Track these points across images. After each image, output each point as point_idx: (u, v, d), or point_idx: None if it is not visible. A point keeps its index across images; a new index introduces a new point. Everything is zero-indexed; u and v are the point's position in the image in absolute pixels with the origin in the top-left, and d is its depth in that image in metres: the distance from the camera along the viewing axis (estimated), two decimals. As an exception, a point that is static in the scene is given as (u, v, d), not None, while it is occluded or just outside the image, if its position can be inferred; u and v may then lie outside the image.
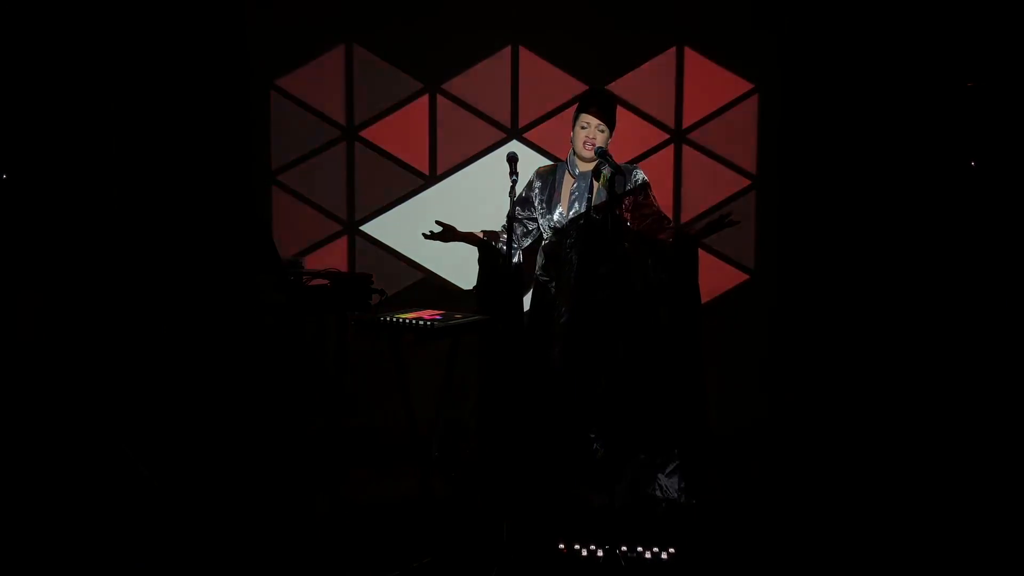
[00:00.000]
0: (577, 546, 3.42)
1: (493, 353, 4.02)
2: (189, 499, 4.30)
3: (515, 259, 4.04)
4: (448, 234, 3.96)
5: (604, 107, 3.90)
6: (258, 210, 5.31)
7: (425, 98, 5.38)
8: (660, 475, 3.86)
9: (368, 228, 5.42)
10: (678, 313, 3.92)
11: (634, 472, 3.84)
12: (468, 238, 4.01)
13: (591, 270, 3.90)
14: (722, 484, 4.57)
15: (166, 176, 5.18)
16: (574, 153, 3.95)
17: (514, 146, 5.29)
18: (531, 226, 4.02)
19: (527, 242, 4.05)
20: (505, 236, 3.93)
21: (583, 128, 3.88)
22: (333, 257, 5.32)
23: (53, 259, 5.09)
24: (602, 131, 3.88)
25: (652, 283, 3.96)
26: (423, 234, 3.95)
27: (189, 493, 4.38)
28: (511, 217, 3.68)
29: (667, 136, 5.40)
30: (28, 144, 5.07)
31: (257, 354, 5.26)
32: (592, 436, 3.86)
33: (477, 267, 4.04)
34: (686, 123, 5.39)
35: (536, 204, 3.99)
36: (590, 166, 3.94)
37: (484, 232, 4.04)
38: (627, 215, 3.94)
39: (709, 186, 5.40)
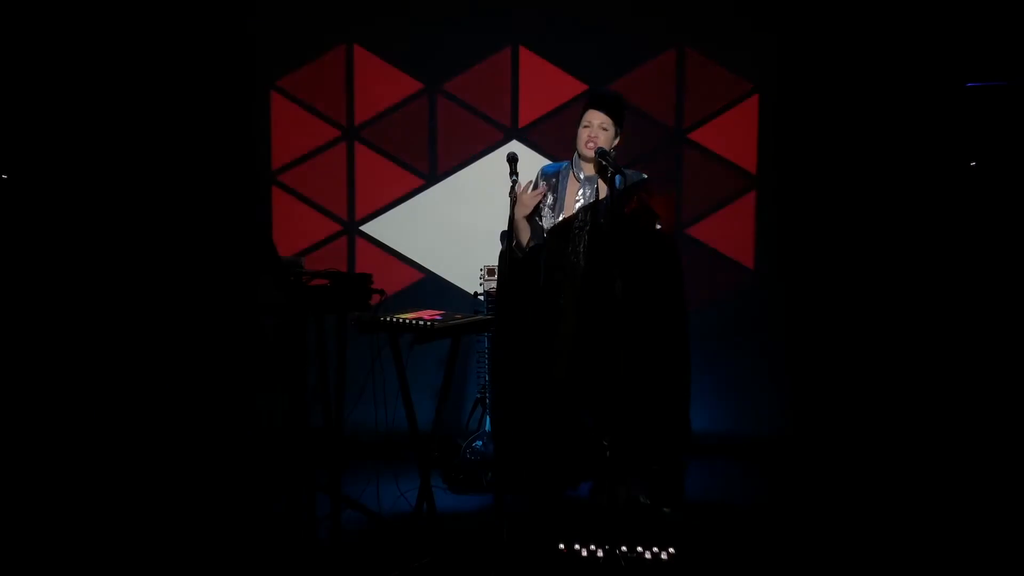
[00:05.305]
0: (577, 546, 3.42)
1: (506, 351, 3.93)
2: (187, 499, 4.30)
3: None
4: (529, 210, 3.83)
5: (607, 105, 3.75)
6: (258, 210, 5.31)
7: (425, 98, 5.38)
8: (644, 481, 3.85)
9: (368, 228, 5.43)
10: (663, 311, 3.82)
11: (634, 474, 3.83)
12: (527, 221, 3.88)
13: (598, 274, 3.76)
14: (719, 484, 4.57)
15: (167, 176, 5.19)
16: (578, 155, 3.84)
17: (514, 146, 5.30)
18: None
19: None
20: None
21: (585, 127, 3.76)
22: (333, 257, 5.33)
23: (53, 259, 5.09)
24: (605, 130, 3.74)
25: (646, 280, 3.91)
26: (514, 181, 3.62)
27: (187, 492, 4.39)
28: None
29: (666, 136, 5.40)
30: (28, 144, 5.07)
31: (256, 354, 5.27)
32: (604, 440, 3.82)
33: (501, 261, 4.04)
34: (686, 123, 5.39)
35: (542, 207, 3.88)
36: (595, 168, 3.82)
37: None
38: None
39: (709, 186, 5.40)
